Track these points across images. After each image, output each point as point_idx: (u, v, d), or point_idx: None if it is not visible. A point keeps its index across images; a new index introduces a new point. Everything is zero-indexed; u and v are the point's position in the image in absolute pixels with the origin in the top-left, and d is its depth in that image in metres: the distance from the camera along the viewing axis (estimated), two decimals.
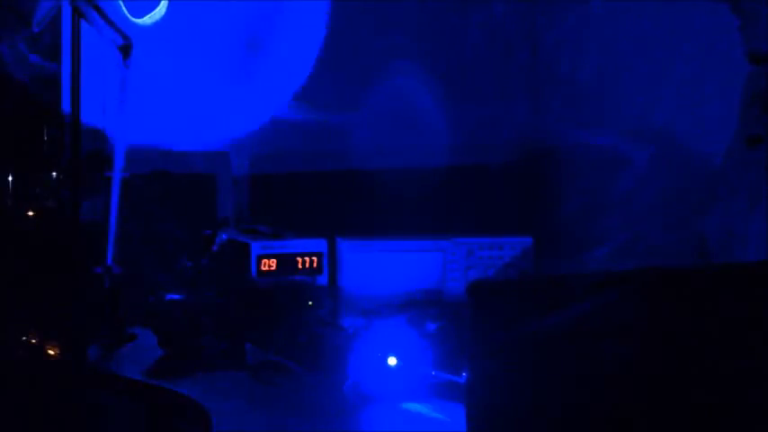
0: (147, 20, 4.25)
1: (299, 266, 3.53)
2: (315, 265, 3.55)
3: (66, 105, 3.85)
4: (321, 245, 3.59)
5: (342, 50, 4.36)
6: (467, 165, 4.27)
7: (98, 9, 3.32)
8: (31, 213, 3.65)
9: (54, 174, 3.70)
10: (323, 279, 3.58)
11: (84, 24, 3.22)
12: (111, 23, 3.46)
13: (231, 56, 4.45)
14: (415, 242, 3.81)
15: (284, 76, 4.35)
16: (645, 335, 1.90)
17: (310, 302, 3.54)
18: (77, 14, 3.15)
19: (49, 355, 3.23)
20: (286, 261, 3.51)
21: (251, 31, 4.34)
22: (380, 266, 3.78)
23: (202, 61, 4.37)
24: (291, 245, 3.55)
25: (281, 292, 3.47)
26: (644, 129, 4.04)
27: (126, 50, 3.49)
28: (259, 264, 3.47)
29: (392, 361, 2.93)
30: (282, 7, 4.33)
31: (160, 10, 4.25)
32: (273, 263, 3.49)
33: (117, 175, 3.69)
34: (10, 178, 3.67)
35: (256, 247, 3.49)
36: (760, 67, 3.45)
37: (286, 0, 4.34)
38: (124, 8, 4.07)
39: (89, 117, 4.06)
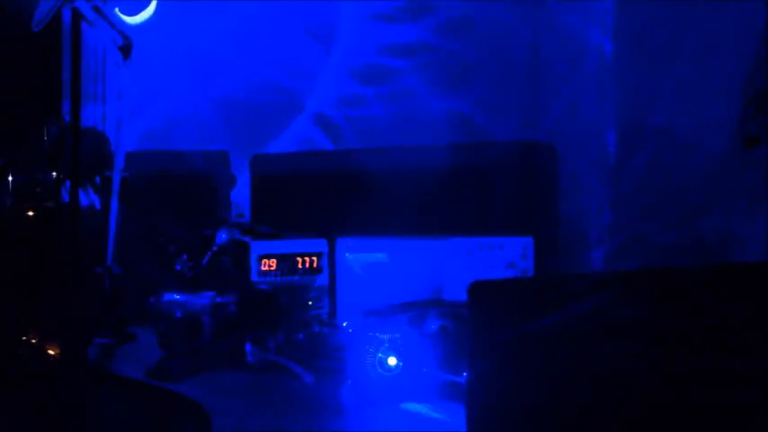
0: (138, 19, 4.25)
1: (299, 266, 3.52)
2: (315, 265, 3.55)
3: (66, 105, 3.86)
4: (321, 245, 3.59)
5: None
6: (467, 165, 4.27)
7: (98, 9, 3.31)
8: (31, 213, 3.65)
9: (54, 174, 3.69)
10: (323, 279, 3.58)
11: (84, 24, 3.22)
12: (111, 23, 3.45)
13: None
14: (414, 242, 3.80)
15: None
16: (645, 335, 1.90)
17: (310, 302, 3.54)
18: (77, 15, 3.15)
19: (49, 355, 3.23)
20: (286, 261, 3.51)
21: None
22: (380, 266, 3.77)
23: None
24: (291, 245, 3.55)
25: (281, 293, 3.48)
26: (644, 129, 4.04)
27: (126, 50, 3.48)
28: (259, 264, 3.47)
29: (392, 361, 2.93)
30: None
31: (150, 9, 4.25)
32: (273, 263, 3.49)
33: (117, 175, 3.68)
34: (10, 178, 3.67)
35: (256, 247, 3.49)
36: (758, 68, 3.45)
37: None
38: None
39: (89, 117, 4.07)
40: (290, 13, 4.45)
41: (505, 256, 3.68)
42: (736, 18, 3.70)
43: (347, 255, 3.72)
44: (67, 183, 3.10)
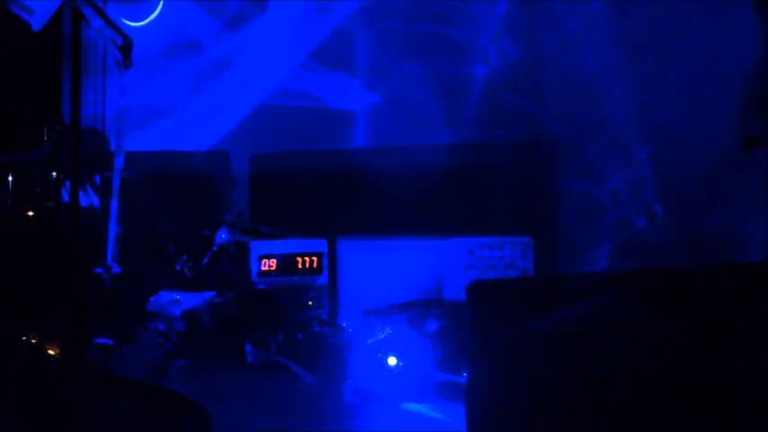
0: (144, 23, 4.26)
1: (299, 266, 3.52)
2: (315, 265, 3.55)
3: (66, 105, 3.86)
4: (321, 245, 3.59)
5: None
6: (467, 165, 4.27)
7: (98, 9, 3.31)
8: (31, 213, 3.65)
9: (54, 174, 3.70)
10: (323, 279, 3.58)
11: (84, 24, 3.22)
12: (111, 24, 3.45)
13: None
14: (414, 242, 3.81)
15: None
16: (645, 335, 1.90)
17: (310, 302, 3.54)
18: (77, 15, 3.15)
19: (49, 355, 3.23)
20: (286, 261, 3.51)
21: None
22: (380, 266, 3.77)
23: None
24: (291, 245, 3.55)
25: (280, 292, 3.47)
26: (644, 129, 4.04)
27: (126, 50, 3.48)
28: (259, 264, 3.47)
29: (392, 361, 2.93)
30: None
31: (155, 13, 4.26)
32: (273, 263, 3.49)
33: (117, 175, 3.68)
34: (10, 178, 3.67)
35: (256, 247, 3.49)
36: (758, 69, 3.46)
37: None
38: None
39: (89, 117, 4.07)
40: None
41: (505, 256, 3.68)
42: (736, 18, 3.70)
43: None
44: (67, 183, 3.10)
